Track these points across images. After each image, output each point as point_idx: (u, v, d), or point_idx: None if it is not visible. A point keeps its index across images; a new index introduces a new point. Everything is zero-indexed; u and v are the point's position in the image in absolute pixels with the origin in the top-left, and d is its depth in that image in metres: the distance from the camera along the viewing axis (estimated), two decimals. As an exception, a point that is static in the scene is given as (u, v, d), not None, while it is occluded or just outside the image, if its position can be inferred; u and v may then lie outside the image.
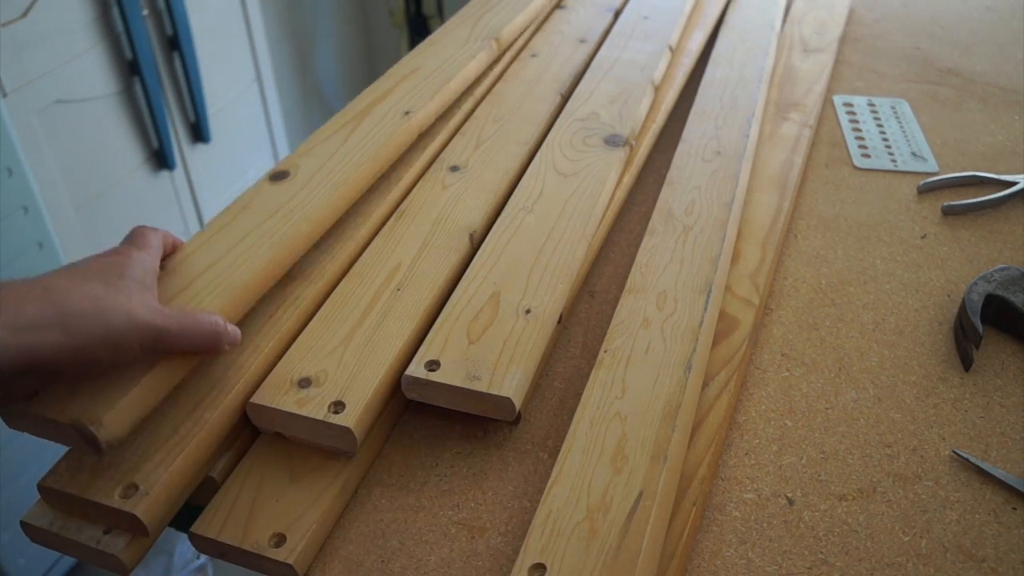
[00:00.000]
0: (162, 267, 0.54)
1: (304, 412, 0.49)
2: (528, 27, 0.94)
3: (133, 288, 0.47)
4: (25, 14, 1.14)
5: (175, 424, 0.49)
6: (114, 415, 0.45)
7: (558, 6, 1.00)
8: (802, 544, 0.50)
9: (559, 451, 0.50)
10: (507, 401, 0.50)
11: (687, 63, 0.90)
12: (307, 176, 0.65)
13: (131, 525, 0.45)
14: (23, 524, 0.48)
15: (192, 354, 0.49)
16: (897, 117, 0.90)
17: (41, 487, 0.47)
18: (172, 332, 0.47)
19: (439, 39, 0.87)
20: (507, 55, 0.89)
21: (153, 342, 0.46)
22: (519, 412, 0.56)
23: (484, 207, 0.66)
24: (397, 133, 0.70)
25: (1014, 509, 0.52)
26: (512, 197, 0.67)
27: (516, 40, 0.91)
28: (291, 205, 0.61)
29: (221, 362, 0.53)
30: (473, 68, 0.81)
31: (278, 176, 0.65)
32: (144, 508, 0.45)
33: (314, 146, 0.69)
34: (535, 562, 0.43)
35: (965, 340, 0.62)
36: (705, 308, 0.58)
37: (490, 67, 0.86)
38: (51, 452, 1.36)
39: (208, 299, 0.53)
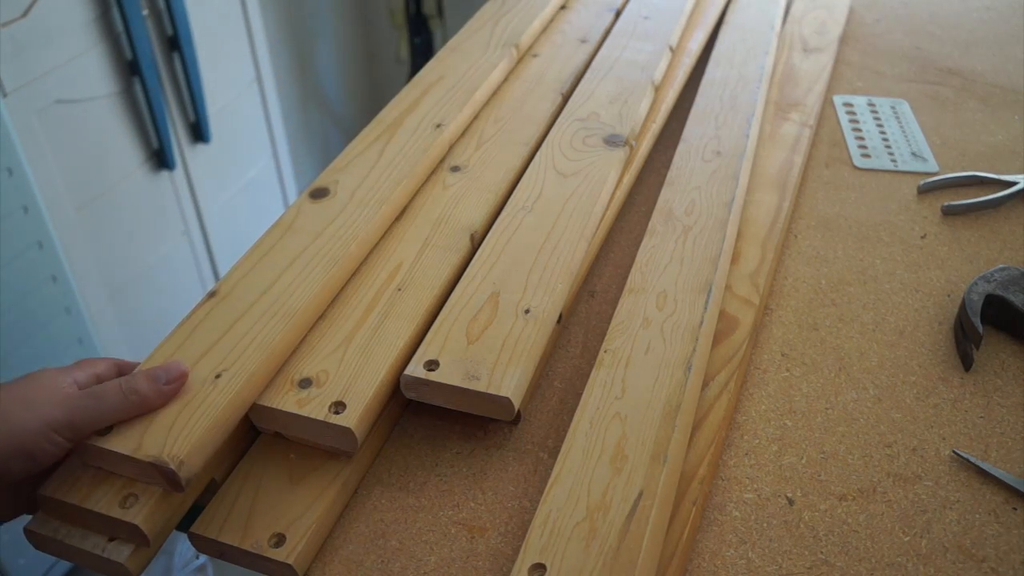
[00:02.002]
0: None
1: (305, 412, 0.49)
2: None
3: (35, 396, 0.46)
4: (25, 14, 1.14)
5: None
6: (193, 452, 0.46)
7: (560, 6, 1.00)
8: (802, 544, 0.50)
9: (559, 451, 0.50)
10: (506, 401, 0.50)
11: (687, 63, 0.90)
12: (348, 194, 0.64)
13: (132, 534, 0.45)
14: (27, 531, 0.48)
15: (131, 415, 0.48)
16: (897, 117, 0.90)
17: (41, 496, 0.47)
18: (85, 417, 0.46)
19: (459, 45, 0.86)
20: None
21: (70, 432, 0.46)
22: (519, 412, 0.56)
23: (485, 207, 0.66)
24: (432, 147, 0.70)
25: (1014, 509, 0.52)
26: (512, 197, 0.67)
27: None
28: (337, 225, 0.61)
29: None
30: (496, 77, 0.81)
31: (318, 193, 0.64)
32: (144, 517, 0.45)
33: (349, 160, 0.69)
34: (535, 562, 0.43)
35: (965, 340, 0.62)
36: (705, 308, 0.58)
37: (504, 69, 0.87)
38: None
39: (269, 325, 0.52)
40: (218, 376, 0.49)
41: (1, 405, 0.45)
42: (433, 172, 0.71)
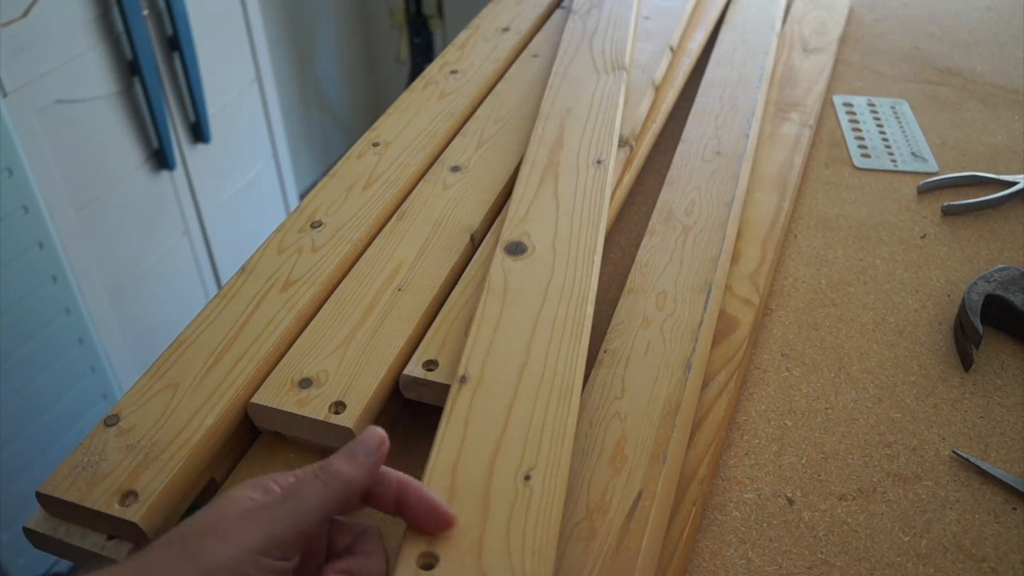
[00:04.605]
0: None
1: (304, 412, 0.49)
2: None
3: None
4: (25, 14, 1.14)
5: (175, 429, 0.49)
6: None
7: (559, 6, 1.00)
8: (802, 544, 0.50)
9: (559, 451, 0.50)
10: (507, 401, 0.50)
11: (687, 63, 0.90)
12: (547, 246, 0.60)
13: (131, 533, 0.45)
14: (26, 530, 0.48)
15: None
16: (897, 117, 0.90)
17: (40, 495, 0.47)
18: (288, 527, 0.37)
19: (566, 71, 0.82)
20: (510, 55, 0.89)
21: (280, 550, 0.36)
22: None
23: (485, 207, 0.66)
24: (602, 187, 0.66)
25: (1014, 509, 0.52)
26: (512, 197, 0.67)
27: (524, 42, 0.92)
28: (553, 284, 0.57)
29: (220, 366, 0.53)
30: (621, 102, 0.77)
31: (515, 249, 0.60)
32: (143, 516, 0.45)
33: (527, 211, 0.63)
34: (535, 562, 0.43)
35: (965, 340, 0.62)
36: (705, 308, 0.58)
37: (504, 68, 0.87)
38: (51, 454, 1.36)
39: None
40: (528, 477, 0.43)
41: (189, 541, 0.35)
42: (433, 171, 0.71)
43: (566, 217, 0.62)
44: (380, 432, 0.40)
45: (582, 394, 0.53)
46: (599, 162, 0.69)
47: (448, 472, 0.43)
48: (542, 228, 0.62)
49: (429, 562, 0.39)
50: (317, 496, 0.38)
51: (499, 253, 0.59)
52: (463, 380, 0.49)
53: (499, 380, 0.49)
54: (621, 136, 0.74)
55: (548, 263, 0.58)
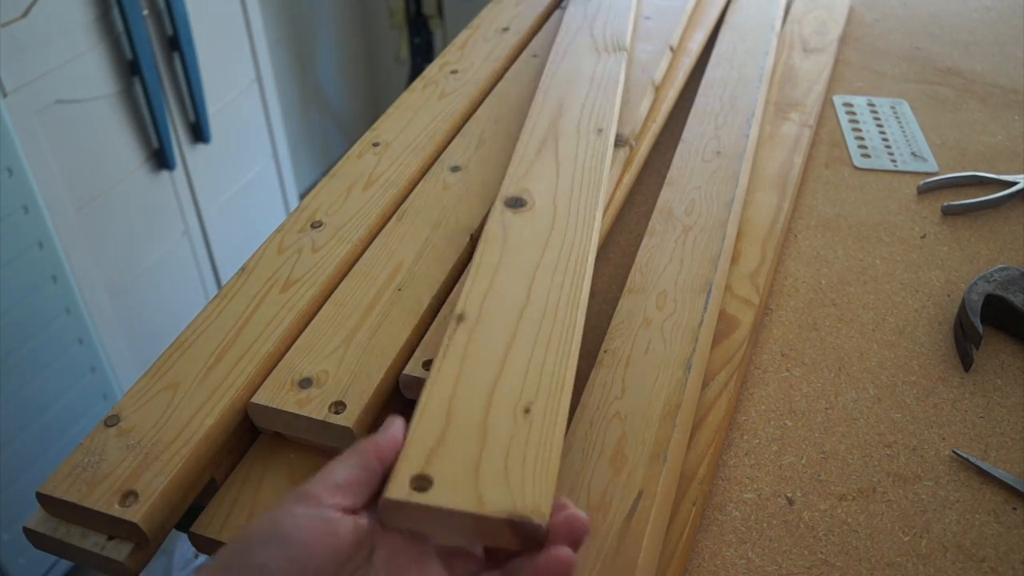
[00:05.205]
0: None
1: (305, 412, 0.49)
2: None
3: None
4: (25, 14, 1.14)
5: (176, 430, 0.49)
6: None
7: (559, 6, 1.00)
8: (802, 544, 0.50)
9: (559, 451, 0.50)
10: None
11: (687, 63, 0.90)
12: (549, 203, 0.60)
13: (131, 533, 0.45)
14: (26, 531, 0.48)
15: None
16: (897, 117, 0.90)
17: (40, 495, 0.47)
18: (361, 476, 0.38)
19: (567, 51, 0.82)
20: (510, 55, 0.89)
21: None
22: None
23: (485, 207, 0.66)
24: (602, 154, 0.67)
25: (1014, 509, 0.52)
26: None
27: (523, 42, 0.92)
28: (547, 235, 0.57)
29: (221, 367, 0.53)
30: (622, 78, 0.79)
31: (514, 203, 0.60)
32: (144, 516, 0.45)
33: (527, 170, 0.64)
34: (535, 562, 0.43)
35: (965, 340, 0.62)
36: (705, 308, 0.58)
37: (504, 67, 0.87)
38: (51, 454, 1.36)
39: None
40: (528, 411, 0.43)
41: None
42: (433, 171, 0.71)
43: (567, 177, 0.63)
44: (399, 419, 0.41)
45: (582, 395, 0.53)
46: (600, 131, 0.69)
47: (444, 402, 0.42)
48: (542, 185, 0.62)
49: (422, 485, 0.38)
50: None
51: (498, 207, 0.59)
52: (460, 319, 0.49)
53: (498, 320, 0.49)
54: (621, 136, 0.74)
55: (548, 217, 0.58)
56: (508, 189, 0.61)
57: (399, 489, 0.37)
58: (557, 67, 0.79)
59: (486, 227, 0.57)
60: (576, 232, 0.57)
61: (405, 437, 0.40)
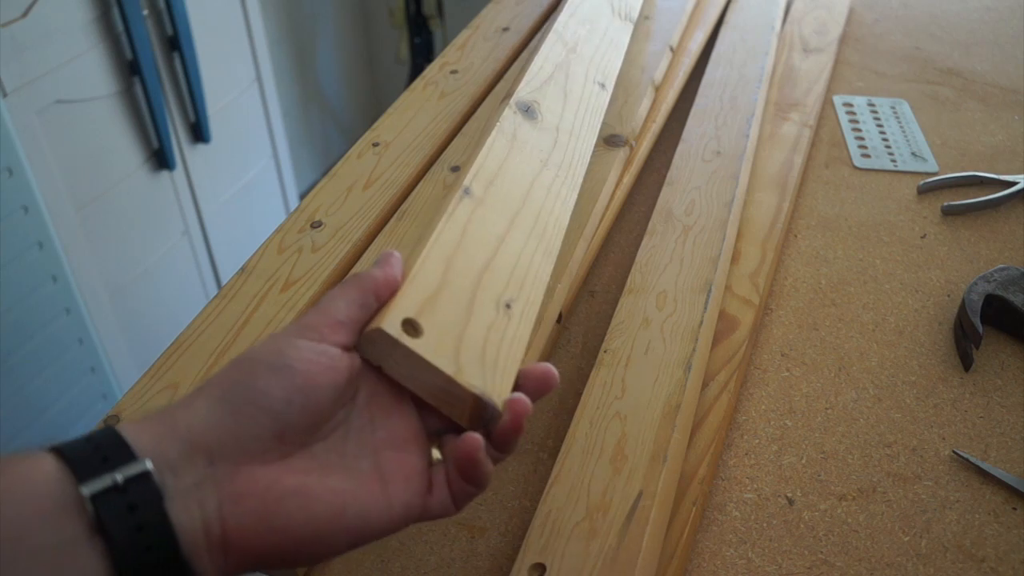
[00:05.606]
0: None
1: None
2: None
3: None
4: (25, 14, 1.14)
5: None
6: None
7: (558, 6, 1.00)
8: (802, 544, 0.50)
9: (559, 451, 0.50)
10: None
11: (687, 63, 0.90)
12: (547, 115, 0.61)
13: None
14: None
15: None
16: (897, 117, 0.90)
17: None
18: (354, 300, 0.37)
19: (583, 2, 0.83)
20: (510, 55, 0.89)
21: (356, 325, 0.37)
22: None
23: (484, 207, 0.66)
24: (599, 108, 0.68)
25: (1014, 509, 0.52)
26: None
27: (523, 42, 0.92)
28: (548, 152, 0.58)
29: (221, 365, 0.53)
30: (626, 43, 0.81)
31: (526, 110, 0.60)
32: None
33: (541, 84, 0.64)
34: (535, 562, 0.43)
35: (965, 340, 0.62)
36: (705, 308, 0.58)
37: (504, 67, 0.87)
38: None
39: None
40: (508, 306, 0.43)
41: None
42: (433, 171, 0.71)
43: (570, 115, 0.63)
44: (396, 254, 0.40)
45: (582, 395, 0.53)
46: (602, 85, 0.69)
47: (442, 263, 0.42)
48: (551, 107, 0.62)
49: (412, 331, 0.37)
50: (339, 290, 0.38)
51: (511, 106, 0.59)
52: (467, 191, 0.48)
53: (497, 212, 0.49)
54: (621, 136, 0.74)
55: (551, 138, 0.59)
56: (522, 94, 0.61)
57: (391, 326, 0.37)
58: (573, 12, 0.78)
59: (501, 119, 0.57)
60: (571, 169, 0.58)
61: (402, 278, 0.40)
